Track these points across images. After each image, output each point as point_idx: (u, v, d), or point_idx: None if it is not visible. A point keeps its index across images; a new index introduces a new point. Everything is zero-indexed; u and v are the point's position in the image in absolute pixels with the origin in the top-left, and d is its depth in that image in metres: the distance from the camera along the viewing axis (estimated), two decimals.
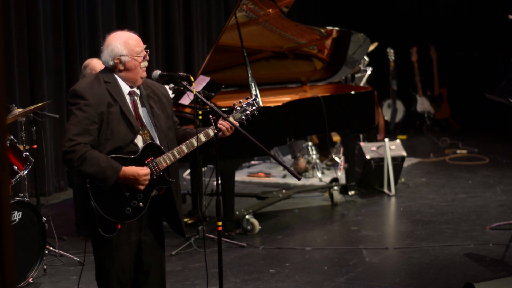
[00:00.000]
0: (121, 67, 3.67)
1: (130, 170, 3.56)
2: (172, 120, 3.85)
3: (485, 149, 9.81)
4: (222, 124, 3.82)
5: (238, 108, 3.94)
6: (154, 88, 3.82)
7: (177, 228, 3.83)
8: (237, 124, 3.85)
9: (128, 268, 3.69)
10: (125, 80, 3.69)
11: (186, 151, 3.73)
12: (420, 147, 10.44)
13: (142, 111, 3.72)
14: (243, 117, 3.92)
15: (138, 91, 3.73)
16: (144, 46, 3.75)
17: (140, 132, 3.66)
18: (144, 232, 3.73)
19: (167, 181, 3.70)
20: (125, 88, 3.69)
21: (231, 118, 3.87)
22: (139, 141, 3.65)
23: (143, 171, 3.59)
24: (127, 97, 3.68)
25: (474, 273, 5.28)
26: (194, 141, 3.76)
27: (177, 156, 3.70)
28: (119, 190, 3.58)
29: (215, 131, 3.82)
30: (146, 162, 3.64)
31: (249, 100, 3.95)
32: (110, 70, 3.70)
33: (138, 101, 3.72)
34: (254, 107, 3.93)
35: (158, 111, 3.75)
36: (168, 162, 3.68)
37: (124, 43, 3.67)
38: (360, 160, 7.78)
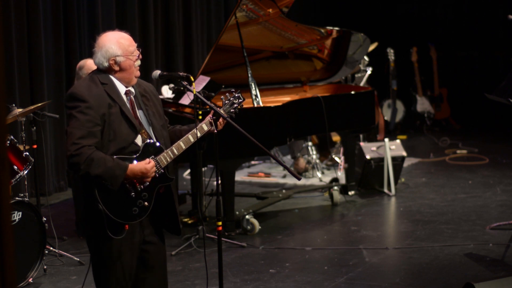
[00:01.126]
0: (116, 68, 3.66)
1: (137, 166, 3.57)
2: (164, 118, 3.87)
3: (485, 149, 9.81)
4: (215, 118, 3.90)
5: (226, 102, 4.01)
6: (144, 86, 3.83)
7: (173, 226, 3.82)
8: (226, 115, 3.93)
9: (128, 270, 3.68)
10: (120, 80, 3.68)
11: (184, 147, 3.75)
12: (420, 147, 10.44)
13: (138, 110, 3.72)
14: (232, 110, 3.99)
15: (133, 91, 3.73)
16: (136, 44, 3.74)
17: (140, 131, 3.67)
18: (146, 231, 3.73)
19: (169, 178, 3.72)
20: (122, 89, 3.68)
21: (221, 111, 3.93)
22: (138, 140, 3.66)
23: (149, 165, 3.60)
24: (124, 97, 3.68)
25: (474, 273, 5.28)
26: (190, 136, 3.77)
27: (176, 153, 3.71)
28: (125, 191, 3.58)
29: (215, 131, 3.85)
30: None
31: (235, 94, 4.03)
32: (104, 71, 3.69)
33: (134, 100, 3.72)
34: (240, 100, 4.03)
35: (153, 109, 3.77)
36: (169, 159, 3.69)
37: (117, 43, 3.66)
38: (360, 160, 7.78)
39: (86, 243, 3.77)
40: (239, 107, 4.03)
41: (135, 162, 3.60)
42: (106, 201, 3.53)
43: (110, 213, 3.52)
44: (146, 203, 3.63)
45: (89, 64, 5.73)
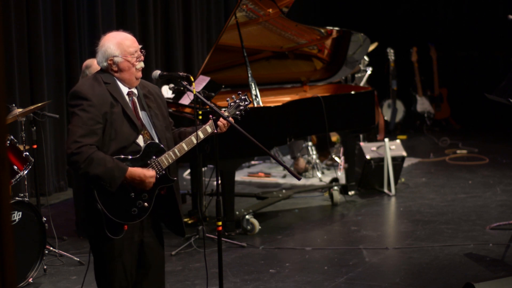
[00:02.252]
0: (115, 68, 3.67)
1: (137, 171, 3.56)
2: (168, 120, 3.86)
3: (485, 149, 9.81)
4: (220, 120, 3.85)
5: (232, 104, 3.98)
6: (149, 88, 3.83)
7: (177, 227, 3.82)
8: (232, 120, 3.90)
9: (129, 270, 3.68)
10: (121, 81, 3.69)
11: (186, 148, 3.74)
12: (420, 147, 10.44)
13: (141, 111, 3.72)
14: (237, 112, 3.96)
15: (136, 92, 3.73)
16: (139, 46, 3.73)
17: (142, 132, 3.66)
18: (146, 232, 3.72)
19: (170, 179, 3.71)
20: (124, 89, 3.69)
21: (226, 114, 3.91)
22: (140, 141, 3.65)
23: (149, 173, 3.59)
24: (127, 98, 3.68)
25: (474, 273, 5.28)
26: (193, 138, 3.76)
27: (178, 154, 3.71)
28: (124, 191, 3.58)
29: (215, 131, 3.83)
30: (148, 162, 3.64)
31: (241, 96, 4.01)
32: (106, 71, 3.70)
33: (137, 101, 3.72)
34: (246, 102, 3.99)
35: (156, 111, 3.76)
36: (170, 161, 3.68)
37: (117, 44, 3.66)
38: (360, 160, 7.78)
39: (89, 243, 3.77)
40: (245, 109, 4.00)
41: (129, 158, 3.59)
42: (105, 201, 3.53)
43: (108, 213, 3.52)
44: (146, 204, 3.63)
45: (96, 64, 5.73)
